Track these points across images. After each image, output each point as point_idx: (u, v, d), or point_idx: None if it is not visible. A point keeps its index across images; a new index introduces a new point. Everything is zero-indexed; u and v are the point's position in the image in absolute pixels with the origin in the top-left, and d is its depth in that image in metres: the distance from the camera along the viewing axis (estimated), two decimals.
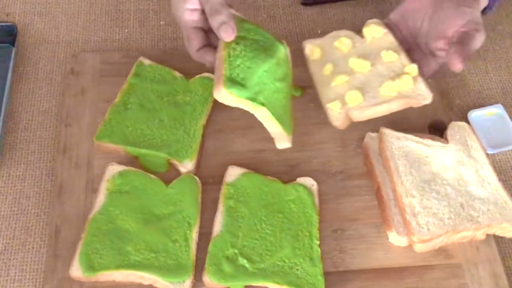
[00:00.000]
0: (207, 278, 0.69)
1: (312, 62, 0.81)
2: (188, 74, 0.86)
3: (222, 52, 0.71)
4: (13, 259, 0.74)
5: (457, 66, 0.73)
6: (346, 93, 0.76)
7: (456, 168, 0.76)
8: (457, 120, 0.82)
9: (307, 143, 0.82)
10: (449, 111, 0.86)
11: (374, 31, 0.81)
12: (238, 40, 0.72)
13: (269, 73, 0.73)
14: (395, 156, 0.77)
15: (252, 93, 0.70)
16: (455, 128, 0.80)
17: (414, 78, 0.76)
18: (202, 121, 0.82)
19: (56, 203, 0.76)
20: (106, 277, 0.70)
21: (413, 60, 0.78)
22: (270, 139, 0.80)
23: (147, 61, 0.86)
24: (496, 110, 0.87)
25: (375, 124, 0.81)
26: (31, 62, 0.90)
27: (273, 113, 0.71)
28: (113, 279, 0.70)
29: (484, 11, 0.81)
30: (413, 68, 0.77)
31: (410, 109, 0.85)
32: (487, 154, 0.79)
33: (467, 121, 0.84)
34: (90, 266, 0.69)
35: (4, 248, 0.74)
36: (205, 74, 0.85)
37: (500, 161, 0.84)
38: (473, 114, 0.86)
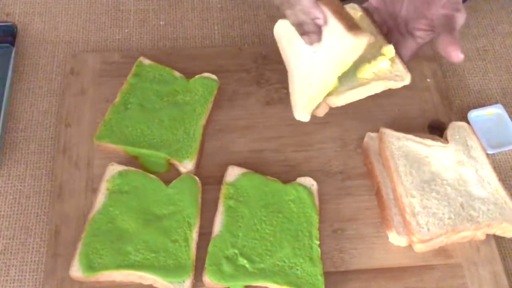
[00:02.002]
0: (207, 278, 0.69)
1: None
2: (188, 74, 0.85)
3: None
4: (13, 259, 0.74)
5: (458, 56, 0.72)
6: None
7: (456, 168, 0.76)
8: (457, 120, 0.82)
9: (307, 143, 0.82)
10: (449, 111, 0.86)
11: None
12: None
13: None
14: (395, 156, 0.77)
15: None
16: (455, 128, 0.80)
17: (391, 59, 0.75)
18: (202, 121, 0.81)
19: (56, 203, 0.76)
20: (106, 277, 0.70)
21: (392, 42, 0.76)
22: (270, 139, 0.80)
23: (147, 61, 0.86)
24: (496, 110, 0.87)
25: (375, 124, 0.81)
26: (31, 62, 0.90)
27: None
28: (113, 279, 0.70)
29: None
30: (389, 49, 0.75)
31: (410, 109, 0.86)
32: (487, 154, 0.79)
33: (467, 121, 0.84)
34: (90, 266, 0.69)
35: (4, 248, 0.74)
36: (205, 74, 0.85)
37: (500, 161, 0.84)
38: (473, 114, 0.86)
